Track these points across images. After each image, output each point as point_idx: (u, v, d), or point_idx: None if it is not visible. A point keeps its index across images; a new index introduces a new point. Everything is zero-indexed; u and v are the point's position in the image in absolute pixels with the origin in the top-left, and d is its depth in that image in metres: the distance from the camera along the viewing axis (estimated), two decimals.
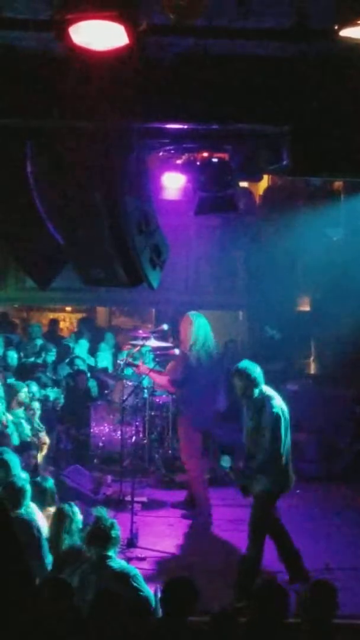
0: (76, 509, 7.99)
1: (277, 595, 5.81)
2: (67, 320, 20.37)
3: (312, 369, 17.18)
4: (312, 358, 17.23)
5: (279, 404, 8.67)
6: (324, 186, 12.37)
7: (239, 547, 10.09)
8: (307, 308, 17.50)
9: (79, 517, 7.92)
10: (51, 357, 14.75)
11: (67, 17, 4.72)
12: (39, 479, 9.10)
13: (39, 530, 7.83)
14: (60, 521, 7.88)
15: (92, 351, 16.31)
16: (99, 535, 7.03)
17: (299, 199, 13.74)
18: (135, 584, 6.79)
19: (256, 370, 8.80)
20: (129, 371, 13.48)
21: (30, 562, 7.50)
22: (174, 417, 12.32)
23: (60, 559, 7.63)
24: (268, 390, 8.81)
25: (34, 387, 12.86)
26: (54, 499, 8.75)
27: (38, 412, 12.66)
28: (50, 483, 8.91)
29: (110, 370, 15.52)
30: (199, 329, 11.06)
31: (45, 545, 7.78)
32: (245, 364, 8.90)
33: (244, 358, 9.35)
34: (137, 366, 12.00)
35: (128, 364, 12.67)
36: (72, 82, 6.57)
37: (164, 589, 5.88)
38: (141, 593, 6.81)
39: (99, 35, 4.97)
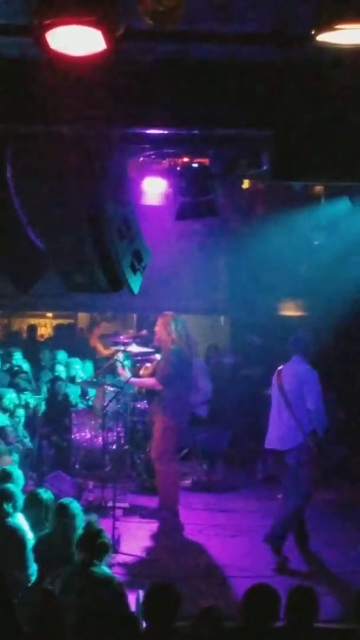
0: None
1: (267, 600, 5.80)
2: (49, 326, 20.34)
3: None
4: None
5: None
6: (305, 190, 12.39)
7: (221, 552, 10.13)
8: (289, 313, 17.51)
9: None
10: (18, 360, 14.61)
11: (45, 22, 4.70)
12: (40, 490, 9.04)
13: (25, 539, 7.79)
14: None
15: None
16: (86, 542, 7.02)
17: (280, 204, 13.76)
18: (118, 592, 6.77)
19: (298, 339, 10.23)
20: (111, 377, 13.45)
21: (14, 571, 7.51)
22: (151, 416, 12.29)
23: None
24: (291, 360, 10.17)
25: (13, 394, 12.84)
26: (49, 512, 8.67)
27: (22, 419, 12.66)
28: (48, 495, 8.83)
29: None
30: (180, 327, 11.16)
31: (31, 555, 7.74)
32: (300, 333, 10.47)
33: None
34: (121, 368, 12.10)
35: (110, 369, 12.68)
36: (51, 87, 6.56)
37: (146, 595, 5.86)
38: (123, 601, 6.79)
39: (77, 40, 4.95)
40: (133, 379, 12.02)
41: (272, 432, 10.15)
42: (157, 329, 11.44)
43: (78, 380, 14.64)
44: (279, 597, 5.80)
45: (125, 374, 12.00)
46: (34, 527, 8.14)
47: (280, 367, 10.24)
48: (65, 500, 8.20)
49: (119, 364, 12.20)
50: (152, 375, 11.62)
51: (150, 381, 11.52)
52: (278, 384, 10.10)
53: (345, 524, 11.26)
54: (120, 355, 12.58)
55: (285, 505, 10.02)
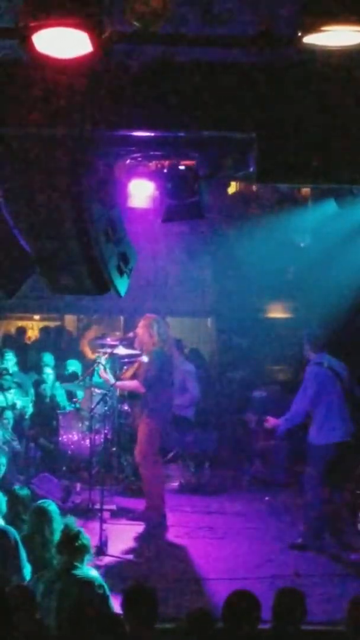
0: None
1: (246, 606, 5.79)
2: (35, 328, 20.29)
3: (283, 376, 17.17)
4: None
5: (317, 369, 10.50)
6: (291, 192, 12.40)
7: (208, 554, 10.13)
8: (275, 315, 17.53)
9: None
10: (9, 361, 14.51)
11: (31, 24, 4.69)
12: (16, 487, 9.04)
13: (16, 540, 7.74)
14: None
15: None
16: (65, 544, 7.00)
17: (266, 206, 13.77)
18: (100, 593, 6.75)
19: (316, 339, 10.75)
20: (97, 379, 13.42)
21: (7, 573, 7.47)
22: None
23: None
24: (327, 359, 10.61)
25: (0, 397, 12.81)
26: (26, 510, 8.66)
27: (11, 422, 12.62)
28: (25, 492, 8.83)
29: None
30: (162, 329, 11.17)
31: (24, 556, 7.70)
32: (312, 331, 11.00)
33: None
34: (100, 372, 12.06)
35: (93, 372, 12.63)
36: (37, 90, 6.55)
37: (122, 600, 5.86)
38: (106, 603, 6.77)
39: (63, 42, 4.95)
40: (115, 382, 12.01)
41: (341, 425, 10.45)
42: (138, 330, 11.43)
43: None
44: (258, 602, 5.78)
45: (108, 377, 11.99)
46: (11, 525, 8.12)
47: (324, 366, 10.56)
48: (43, 502, 8.20)
49: (100, 367, 12.18)
50: (133, 377, 11.59)
51: (132, 384, 11.49)
52: (338, 380, 10.52)
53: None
54: (102, 359, 12.55)
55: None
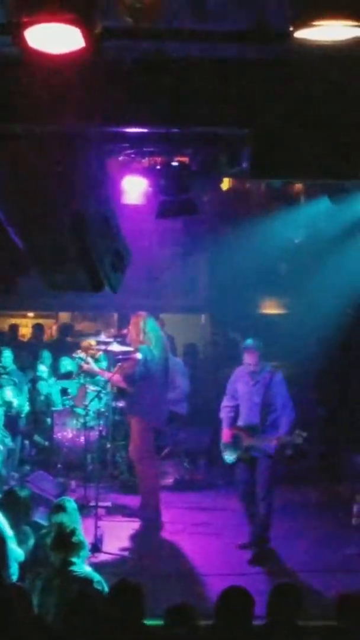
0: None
1: (239, 603, 5.78)
2: (29, 325, 20.26)
3: None
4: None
5: None
6: (285, 189, 12.41)
7: (203, 550, 10.14)
8: (270, 311, 17.53)
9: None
10: (7, 359, 14.48)
11: (23, 20, 4.68)
12: (16, 488, 9.04)
13: (4, 538, 7.72)
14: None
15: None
16: (60, 542, 7.00)
17: (260, 202, 13.78)
18: (98, 590, 6.76)
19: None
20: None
21: None
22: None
23: (26, 564, 7.61)
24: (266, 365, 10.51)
25: None
26: (28, 510, 8.66)
27: (2, 419, 12.60)
28: (25, 492, 8.82)
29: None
30: (151, 328, 11.17)
31: (12, 554, 7.68)
32: (257, 341, 10.65)
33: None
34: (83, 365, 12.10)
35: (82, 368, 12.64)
36: (29, 86, 6.53)
37: (108, 597, 5.85)
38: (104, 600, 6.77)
39: (56, 38, 4.93)
40: (97, 369, 12.08)
41: None
42: (129, 327, 11.47)
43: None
44: (251, 598, 5.77)
45: (93, 367, 12.05)
46: (16, 528, 8.10)
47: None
48: (61, 499, 8.25)
49: (80, 361, 12.21)
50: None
51: (115, 377, 11.50)
52: None
53: (325, 522, 11.27)
54: (81, 353, 12.62)
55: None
